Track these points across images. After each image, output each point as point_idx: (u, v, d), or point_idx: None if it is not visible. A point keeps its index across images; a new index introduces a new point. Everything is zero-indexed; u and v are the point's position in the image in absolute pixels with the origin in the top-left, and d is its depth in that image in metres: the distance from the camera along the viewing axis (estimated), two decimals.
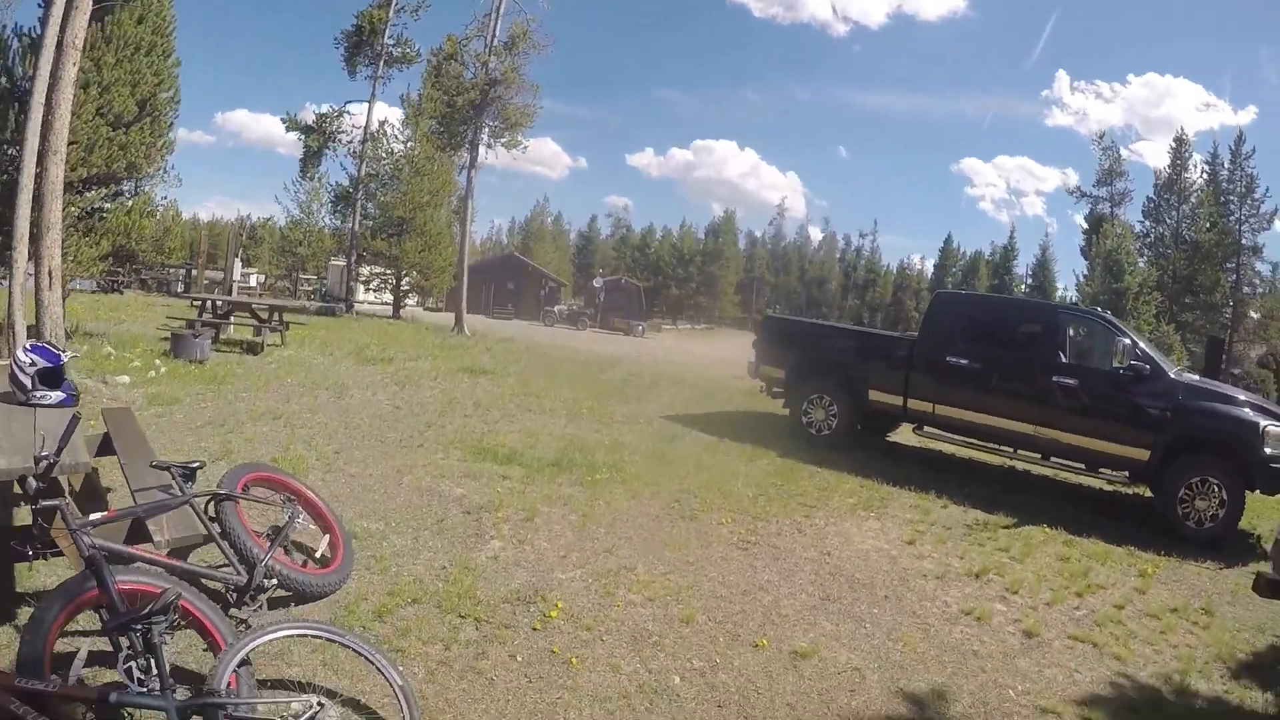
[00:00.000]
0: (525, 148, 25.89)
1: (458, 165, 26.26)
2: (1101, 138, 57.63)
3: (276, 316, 15.25)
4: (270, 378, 11.75)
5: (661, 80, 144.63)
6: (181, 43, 13.29)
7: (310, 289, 38.37)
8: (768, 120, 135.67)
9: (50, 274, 10.04)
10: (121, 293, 15.21)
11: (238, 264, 16.45)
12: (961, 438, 10.01)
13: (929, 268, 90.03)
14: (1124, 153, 59.45)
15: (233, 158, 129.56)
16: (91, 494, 4.37)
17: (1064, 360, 9.16)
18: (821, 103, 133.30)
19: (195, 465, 4.05)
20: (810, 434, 10.78)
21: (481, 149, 25.45)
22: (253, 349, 14.36)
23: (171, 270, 31.70)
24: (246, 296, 37.01)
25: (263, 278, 42.75)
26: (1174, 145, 51.63)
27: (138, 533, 3.62)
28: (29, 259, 9.90)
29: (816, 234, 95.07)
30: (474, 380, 13.85)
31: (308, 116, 30.29)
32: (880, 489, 8.67)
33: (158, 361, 11.67)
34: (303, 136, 28.72)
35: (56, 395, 4.39)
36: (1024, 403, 9.29)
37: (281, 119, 28.99)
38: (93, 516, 3.35)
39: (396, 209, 28.84)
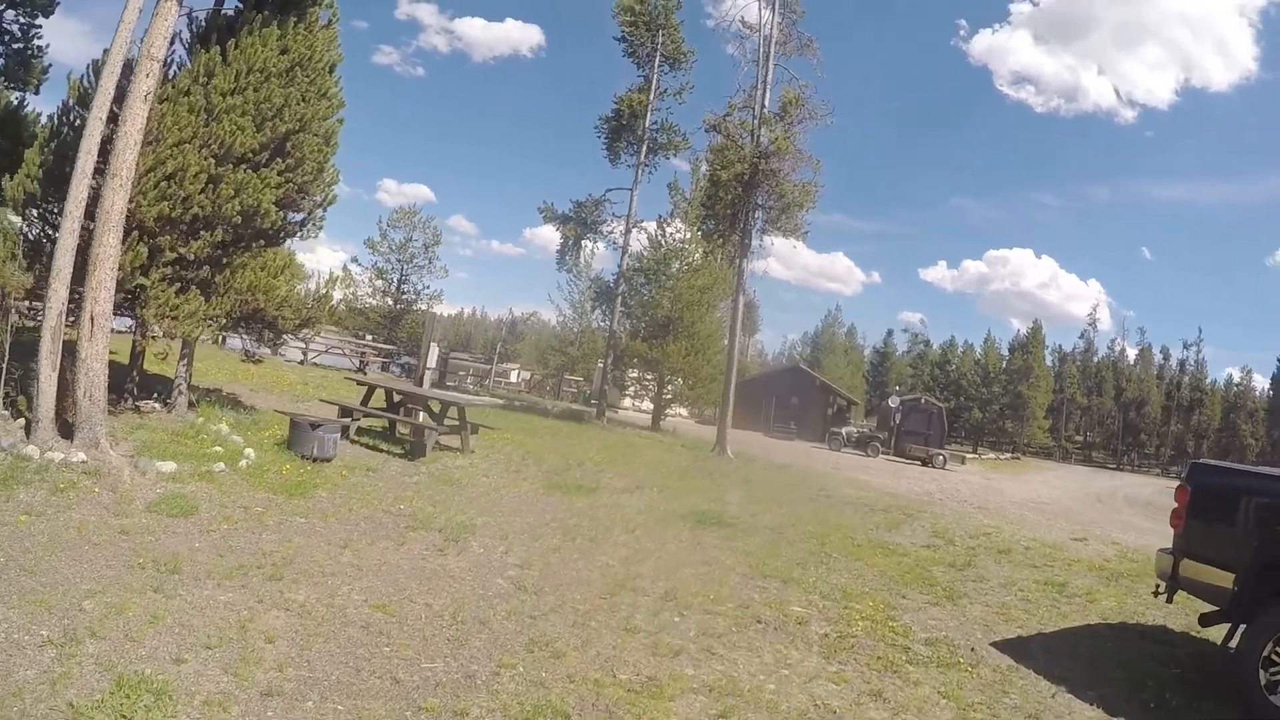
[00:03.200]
0: (806, 232, 21.40)
1: (731, 258, 22.27)
2: None
3: (457, 414, 11.95)
4: (377, 500, 8.46)
5: (952, 189, 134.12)
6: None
7: (575, 390, 36.52)
8: (1064, 224, 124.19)
9: (92, 321, 7.24)
10: (258, 361, 12.96)
11: (434, 349, 13.51)
12: None
13: (1261, 382, 73.60)
14: None
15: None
16: None
17: None
18: (1119, 200, 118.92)
19: None
20: (1275, 705, 5.13)
21: (755, 235, 21.37)
22: (416, 451, 11.20)
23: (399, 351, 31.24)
24: (506, 390, 37.56)
25: (527, 375, 42.41)
26: None
27: None
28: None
29: (1131, 349, 79.96)
30: (697, 535, 9.17)
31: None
32: None
33: (250, 451, 9.01)
34: (560, 227, 26.81)
35: None
36: None
37: (538, 209, 27.53)
38: None
39: (660, 307, 25.62)
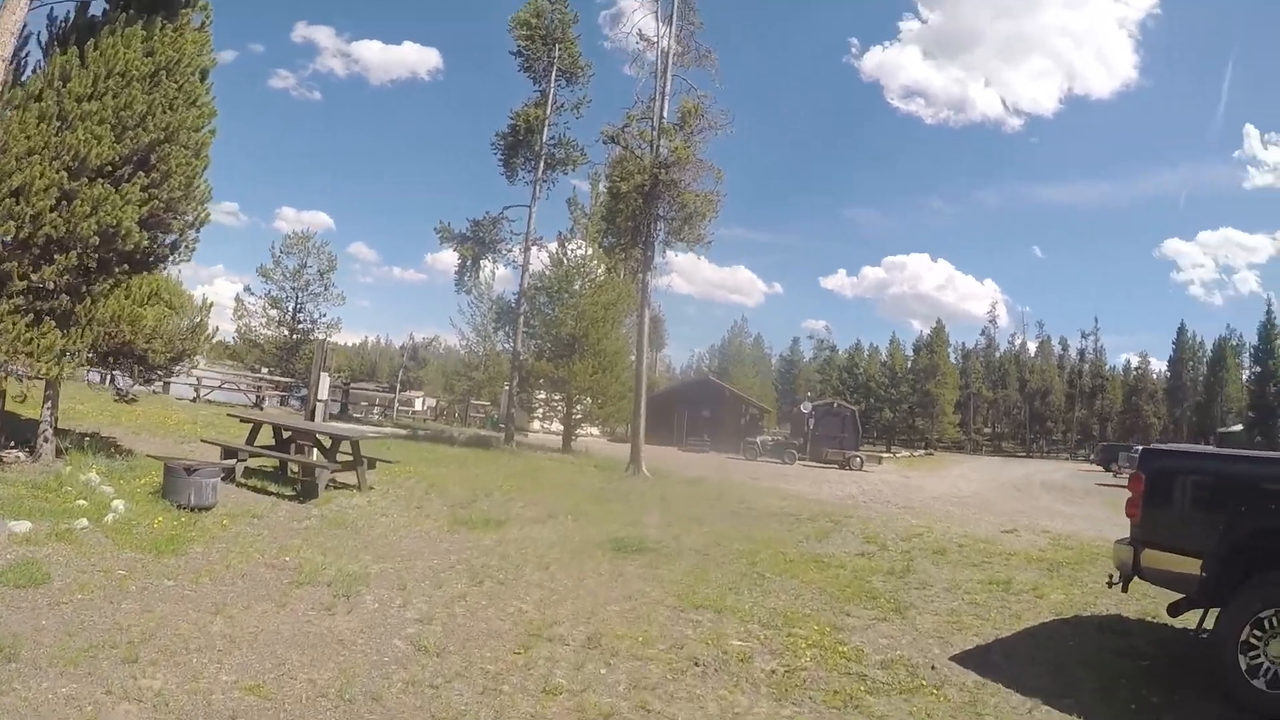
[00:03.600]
0: (710, 242, 20.99)
1: (634, 272, 21.63)
2: None
3: (349, 449, 10.89)
4: (259, 551, 7.39)
5: (848, 199, 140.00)
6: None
7: (484, 415, 35.25)
8: (957, 228, 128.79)
9: None
10: (132, 400, 11.74)
11: (326, 380, 12.36)
12: None
13: (1158, 365, 78.12)
14: None
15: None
16: None
17: None
18: (1008, 204, 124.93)
19: None
20: (1257, 689, 4.88)
21: (657, 248, 20.84)
22: (307, 492, 10.22)
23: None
24: (412, 419, 36.21)
25: (432, 402, 40.86)
26: None
27: None
28: None
29: (1031, 343, 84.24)
30: (618, 565, 8.38)
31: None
32: None
33: (119, 504, 7.85)
34: (458, 247, 25.65)
35: None
36: None
37: (435, 229, 26.32)
38: None
39: (564, 325, 24.82)
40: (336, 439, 10.91)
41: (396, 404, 35.39)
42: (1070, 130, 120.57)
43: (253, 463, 11.25)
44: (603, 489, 15.45)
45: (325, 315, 31.91)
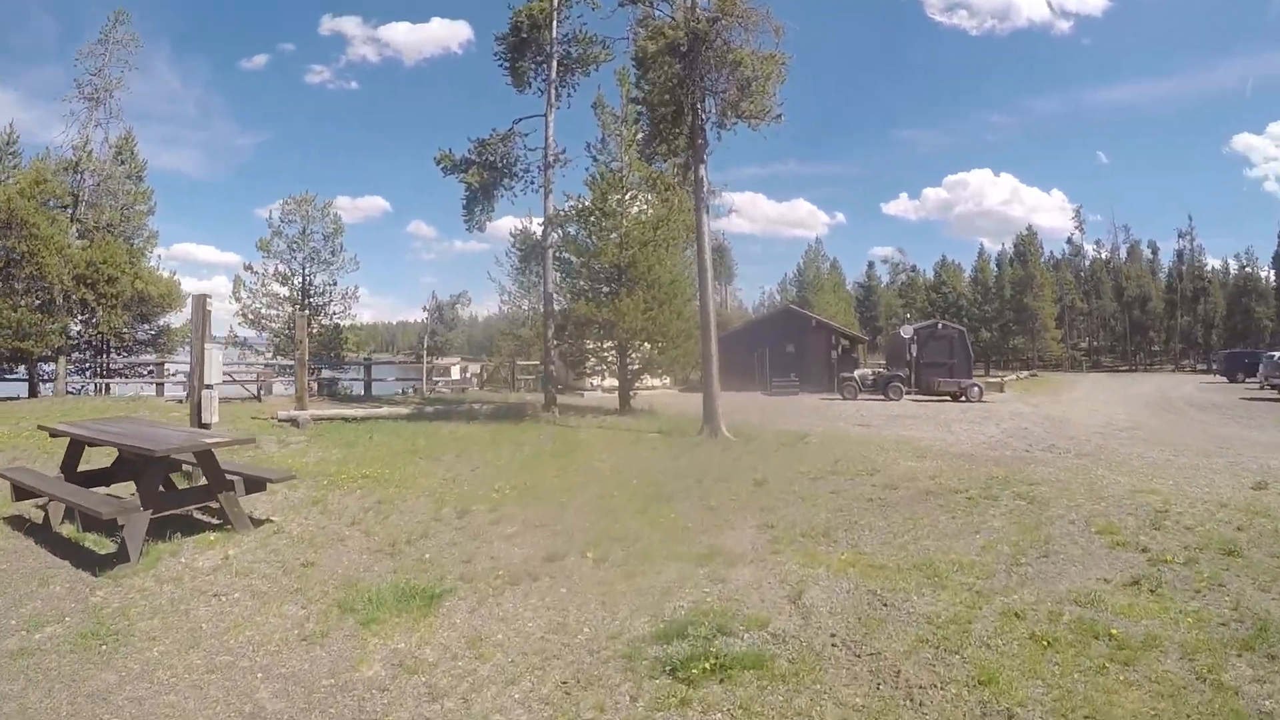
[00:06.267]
0: (779, 116, 15.30)
1: (681, 169, 16.13)
2: None
3: (215, 474, 6.24)
4: None
5: (900, 122, 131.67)
6: None
7: (533, 377, 30.61)
8: (1017, 141, 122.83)
9: None
10: None
11: (215, 352, 7.61)
12: None
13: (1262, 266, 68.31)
14: None
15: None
16: None
17: None
18: (1067, 110, 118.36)
19: None
20: None
21: (710, 134, 15.33)
22: (119, 554, 5.90)
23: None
24: (450, 390, 31.66)
25: (475, 368, 36.06)
26: None
27: None
28: None
29: (1120, 251, 74.86)
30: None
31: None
32: None
33: None
34: (461, 175, 20.49)
35: None
36: None
37: (434, 159, 21.18)
38: None
39: (605, 254, 19.54)
40: (165, 454, 6.09)
41: (426, 375, 30.66)
42: (1122, 27, 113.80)
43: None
44: (663, 471, 10.38)
45: (335, 283, 27.53)
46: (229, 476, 6.77)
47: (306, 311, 24.75)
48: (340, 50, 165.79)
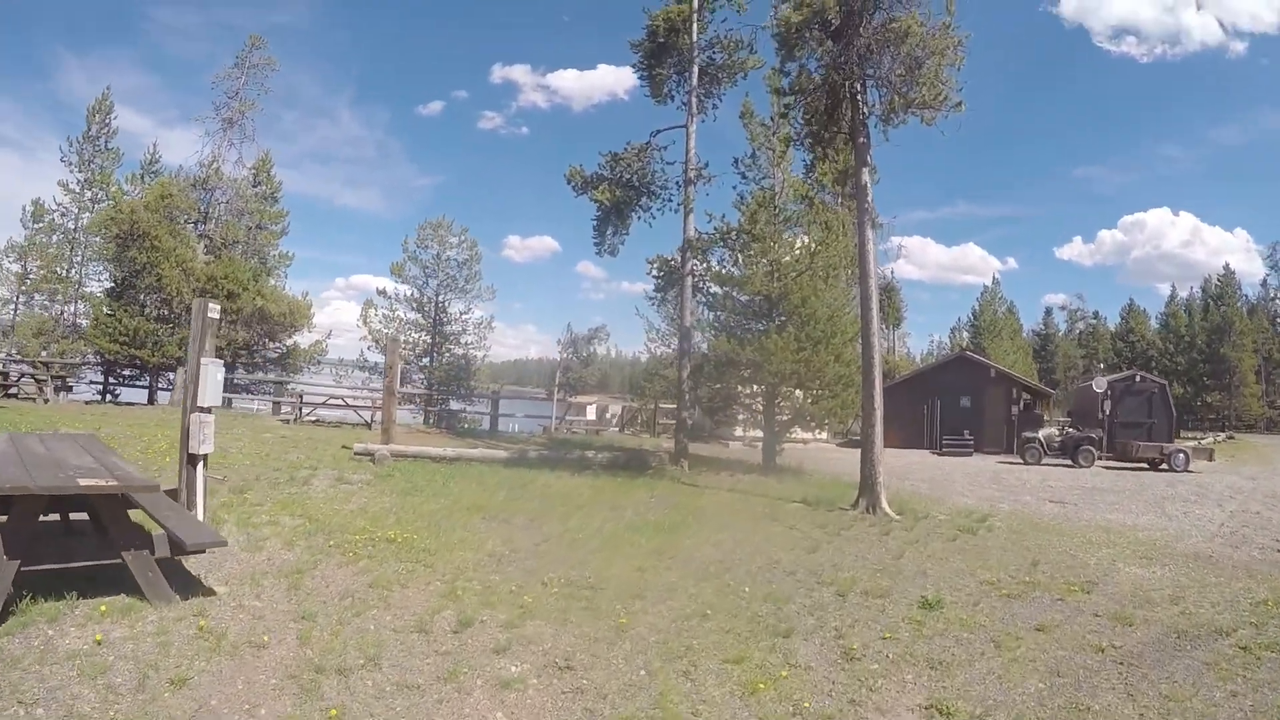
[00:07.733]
0: (958, 104, 12.15)
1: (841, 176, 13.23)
2: None
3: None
4: None
5: (1072, 158, 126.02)
6: None
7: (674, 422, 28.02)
8: (1196, 175, 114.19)
9: None
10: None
11: (214, 369, 5.57)
12: None
13: None
14: None
15: None
16: None
17: None
18: (1248, 138, 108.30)
19: None
20: None
21: (873, 131, 12.44)
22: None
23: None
24: (584, 431, 29.39)
25: (616, 409, 33.98)
26: None
27: None
28: None
29: None
30: None
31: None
32: None
33: None
34: (591, 192, 18.42)
35: None
36: None
37: (564, 175, 19.24)
38: None
39: (752, 284, 16.84)
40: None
41: (556, 414, 28.58)
42: None
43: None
44: (791, 573, 7.41)
45: (469, 311, 26.46)
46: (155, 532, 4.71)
47: (401, 337, 23.74)
48: (511, 97, 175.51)
